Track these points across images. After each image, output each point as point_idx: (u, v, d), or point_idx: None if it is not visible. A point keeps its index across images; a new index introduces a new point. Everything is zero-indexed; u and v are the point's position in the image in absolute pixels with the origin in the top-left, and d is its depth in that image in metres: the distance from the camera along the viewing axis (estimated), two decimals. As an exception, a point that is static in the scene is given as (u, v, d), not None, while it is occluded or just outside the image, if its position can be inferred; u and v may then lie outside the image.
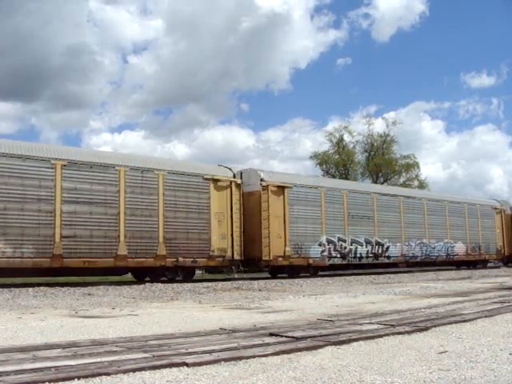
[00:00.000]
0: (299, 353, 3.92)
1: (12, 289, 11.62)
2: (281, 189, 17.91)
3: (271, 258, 17.19)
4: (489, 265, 28.51)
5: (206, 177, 16.09)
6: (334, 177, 42.74)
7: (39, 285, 12.71)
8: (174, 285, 13.56)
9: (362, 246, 20.35)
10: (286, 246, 17.67)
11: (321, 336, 4.56)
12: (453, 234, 25.06)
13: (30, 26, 66.31)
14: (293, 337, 4.49)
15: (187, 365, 3.42)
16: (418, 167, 45.39)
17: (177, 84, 74.60)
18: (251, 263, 17.65)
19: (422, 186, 43.42)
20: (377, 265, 21.87)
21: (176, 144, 75.39)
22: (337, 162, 45.07)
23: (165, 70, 74.79)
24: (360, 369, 3.43)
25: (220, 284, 14.10)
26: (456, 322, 5.59)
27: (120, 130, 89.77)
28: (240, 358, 3.64)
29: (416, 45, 79.57)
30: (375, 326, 5.18)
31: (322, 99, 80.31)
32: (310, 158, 46.22)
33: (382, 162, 44.46)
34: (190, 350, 3.85)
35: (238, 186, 16.85)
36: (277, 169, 46.35)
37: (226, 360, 3.58)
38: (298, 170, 60.16)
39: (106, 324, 5.89)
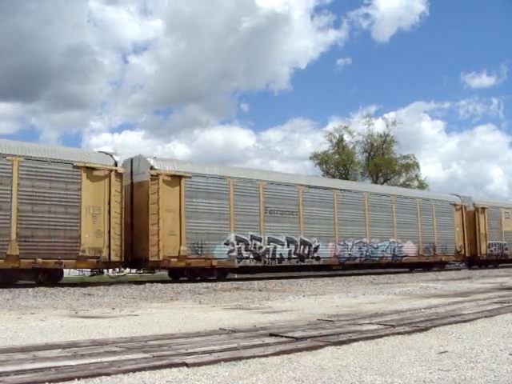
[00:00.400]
0: (299, 353, 3.92)
1: (12, 289, 11.61)
2: (177, 178, 15.40)
3: (161, 258, 14.77)
4: (448, 267, 26.33)
5: (76, 164, 13.80)
6: (334, 177, 42.64)
7: (39, 285, 12.71)
8: (174, 285, 13.56)
9: (282, 245, 17.70)
10: (181, 244, 15.21)
11: (321, 336, 4.56)
12: (401, 233, 22.20)
13: (30, 26, 66.33)
14: (293, 337, 4.49)
15: (187, 365, 3.42)
16: (418, 167, 45.38)
17: (177, 84, 74.64)
18: (140, 264, 15.33)
19: (421, 186, 43.40)
20: (303, 267, 19.07)
21: (176, 144, 75.42)
22: (337, 162, 45.05)
23: (165, 70, 74.85)
24: (360, 369, 3.43)
25: (220, 284, 14.10)
26: (456, 323, 5.59)
27: (120, 130, 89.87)
28: (240, 358, 3.64)
29: (416, 45, 79.66)
30: (375, 327, 5.18)
31: (322, 99, 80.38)
32: (310, 158, 46.22)
33: (382, 162, 44.43)
34: (189, 351, 3.85)
35: (120, 175, 14.51)
36: (277, 169, 46.39)
37: (226, 360, 3.58)
38: (297, 170, 60.22)
39: (106, 324, 5.89)
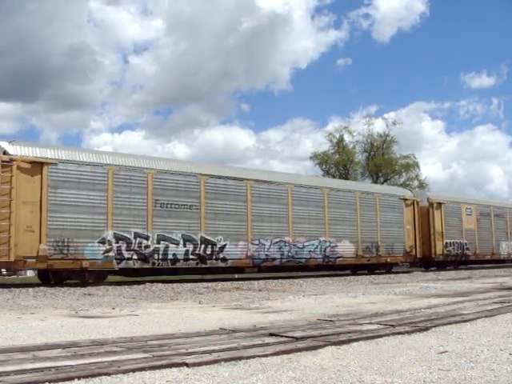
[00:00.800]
0: (299, 353, 3.92)
1: (12, 289, 11.62)
2: (38, 165, 13.16)
3: (13, 259, 12.48)
4: (398, 269, 23.70)
5: None
6: (334, 177, 42.62)
7: (39, 285, 12.71)
8: (174, 285, 13.57)
9: (177, 244, 15.28)
10: (41, 242, 12.94)
11: (321, 336, 4.56)
12: (335, 231, 19.42)
13: (30, 26, 66.36)
14: (293, 337, 4.49)
15: (187, 365, 3.42)
16: (418, 167, 45.46)
17: (177, 84, 74.70)
18: None
19: (422, 186, 43.43)
20: (207, 270, 16.60)
21: (176, 144, 75.46)
22: (337, 162, 45.10)
23: (165, 71, 74.91)
24: (360, 369, 3.43)
25: (220, 284, 14.11)
26: (456, 322, 5.59)
27: (120, 130, 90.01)
28: (240, 358, 3.64)
29: (416, 45, 79.76)
30: (375, 326, 5.18)
31: (322, 99, 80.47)
32: (310, 158, 46.30)
33: (382, 162, 44.48)
34: (190, 350, 3.85)
35: None
36: (277, 169, 46.31)
37: (226, 360, 3.58)
38: (297, 170, 60.22)
39: (106, 324, 5.89)
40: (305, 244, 18.48)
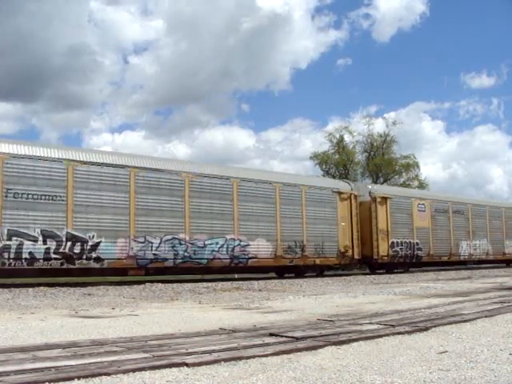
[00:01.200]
0: (299, 353, 3.92)
1: (12, 289, 11.62)
2: None
3: None
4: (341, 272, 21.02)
5: None
6: (333, 177, 42.71)
7: (39, 285, 12.71)
8: (174, 285, 13.57)
9: (35, 241, 13.09)
10: None
11: (321, 336, 4.56)
12: (246, 228, 16.91)
13: (30, 27, 66.30)
14: (293, 337, 4.49)
15: (187, 365, 3.42)
16: (418, 167, 45.38)
17: (177, 84, 74.63)
18: None
19: (422, 186, 43.42)
20: (82, 270, 14.30)
21: (176, 144, 75.37)
22: (337, 162, 45.07)
23: (165, 71, 74.84)
24: (360, 369, 3.43)
25: (220, 284, 14.11)
26: (456, 322, 5.59)
27: (120, 131, 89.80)
28: (240, 358, 3.64)
29: (416, 45, 79.68)
30: (375, 326, 5.18)
31: (323, 99, 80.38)
32: (310, 158, 46.22)
33: (382, 162, 44.44)
34: (190, 350, 3.85)
35: None
36: (277, 169, 46.31)
37: (226, 360, 3.58)
38: (298, 170, 60.13)
39: (106, 324, 5.89)
40: (206, 242, 15.97)
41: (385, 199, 21.37)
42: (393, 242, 21.37)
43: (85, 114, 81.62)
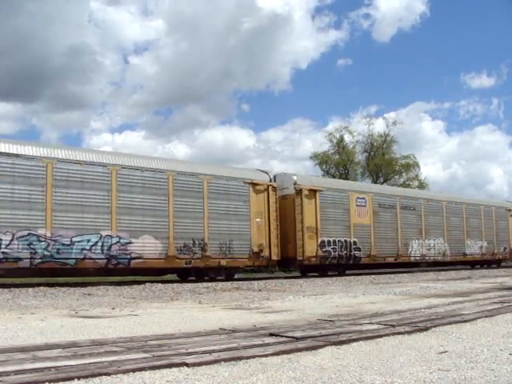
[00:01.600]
0: (299, 353, 3.92)
1: (12, 289, 11.62)
2: None
3: None
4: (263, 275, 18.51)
5: None
6: (333, 177, 42.68)
7: (39, 285, 12.72)
8: (174, 285, 13.57)
9: None
10: None
11: (321, 336, 4.56)
12: (128, 223, 14.58)
13: (30, 27, 66.26)
14: (293, 337, 4.49)
15: (187, 365, 3.42)
16: (418, 167, 45.41)
17: (177, 84, 74.60)
18: None
19: (421, 186, 43.43)
20: None
21: (176, 144, 75.34)
22: (337, 162, 45.07)
23: (165, 71, 74.82)
24: (360, 369, 3.43)
25: (220, 284, 14.11)
26: (456, 322, 5.59)
27: (121, 131, 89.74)
28: (240, 358, 3.64)
29: (416, 45, 79.70)
30: (375, 326, 5.18)
31: (323, 99, 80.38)
32: (310, 158, 46.22)
33: (382, 162, 44.47)
34: (190, 350, 3.85)
35: None
36: (277, 169, 46.24)
37: (226, 360, 3.58)
38: (298, 170, 60.06)
39: (106, 324, 5.89)
40: (74, 239, 13.68)
41: (314, 192, 18.67)
42: (323, 241, 18.74)
43: (85, 114, 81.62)
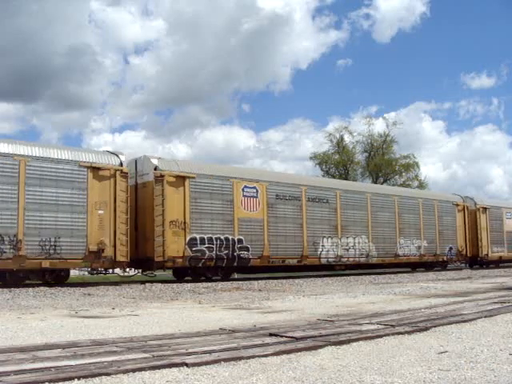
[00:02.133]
0: (299, 353, 3.92)
1: (12, 289, 11.61)
2: None
3: None
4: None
5: None
6: (333, 177, 42.69)
7: (39, 285, 12.71)
8: (174, 285, 13.56)
9: None
10: None
11: (321, 336, 4.56)
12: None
13: (31, 27, 66.31)
14: (293, 337, 4.49)
15: (187, 365, 3.42)
16: (418, 167, 45.39)
17: (178, 85, 74.65)
18: None
19: (421, 186, 43.43)
20: None
21: (177, 144, 75.37)
22: (337, 163, 45.08)
23: (166, 71, 74.87)
24: (360, 369, 3.43)
25: (220, 284, 14.10)
26: (456, 322, 5.59)
27: (121, 131, 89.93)
28: (240, 358, 3.64)
29: (416, 45, 79.77)
30: (375, 326, 5.18)
31: (323, 100, 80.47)
32: (310, 158, 46.22)
33: (382, 162, 44.46)
34: (189, 350, 3.85)
35: None
36: (277, 169, 46.22)
37: (225, 360, 3.58)
38: (298, 170, 60.14)
39: (106, 324, 5.89)
40: None
41: (182, 179, 15.49)
42: (194, 239, 15.48)
43: (85, 114, 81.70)
